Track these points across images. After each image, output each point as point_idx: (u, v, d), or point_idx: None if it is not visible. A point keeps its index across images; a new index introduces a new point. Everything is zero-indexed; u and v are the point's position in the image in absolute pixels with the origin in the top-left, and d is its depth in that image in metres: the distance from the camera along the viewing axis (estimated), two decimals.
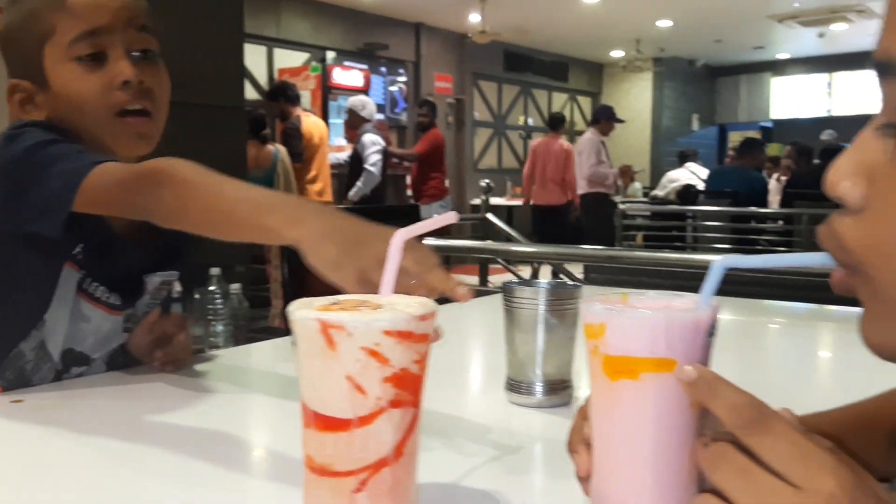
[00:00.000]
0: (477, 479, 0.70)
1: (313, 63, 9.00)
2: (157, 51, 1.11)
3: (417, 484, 0.56)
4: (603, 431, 0.54)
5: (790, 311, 1.72)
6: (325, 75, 8.75)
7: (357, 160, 5.83)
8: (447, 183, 7.06)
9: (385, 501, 0.53)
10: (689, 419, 0.51)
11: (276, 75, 8.67)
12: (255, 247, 3.56)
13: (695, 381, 0.48)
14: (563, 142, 7.62)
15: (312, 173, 5.62)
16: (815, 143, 8.29)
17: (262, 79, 8.59)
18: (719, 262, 0.51)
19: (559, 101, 13.32)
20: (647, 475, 0.52)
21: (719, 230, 6.42)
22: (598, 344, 0.52)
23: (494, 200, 7.46)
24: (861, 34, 10.37)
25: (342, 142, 7.96)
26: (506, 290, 0.93)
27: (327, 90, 8.75)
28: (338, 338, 0.50)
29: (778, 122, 14.23)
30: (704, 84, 14.78)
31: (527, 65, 12.26)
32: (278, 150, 5.31)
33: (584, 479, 0.57)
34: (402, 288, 0.59)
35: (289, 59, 8.96)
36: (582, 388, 0.93)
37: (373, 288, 0.60)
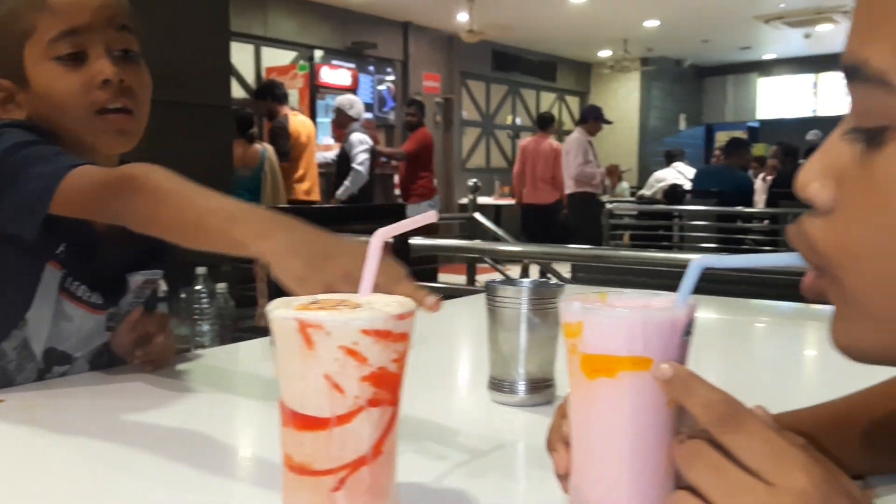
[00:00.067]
0: (458, 478, 0.71)
1: (301, 62, 8.98)
2: (138, 50, 1.11)
3: (396, 482, 0.57)
4: (581, 429, 0.54)
5: (776, 310, 1.74)
6: (313, 74, 8.73)
7: (345, 159, 5.82)
8: (435, 182, 7.06)
9: (364, 500, 0.53)
10: (666, 417, 0.51)
11: (263, 74, 8.64)
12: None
13: (671, 379, 0.49)
14: (553, 140, 7.65)
15: (300, 172, 5.61)
16: (801, 143, 8.35)
17: (250, 77, 8.56)
18: (696, 262, 0.52)
19: (547, 100, 13.35)
20: (624, 472, 0.52)
21: (706, 229, 6.46)
22: (576, 343, 0.53)
23: (482, 200, 7.49)
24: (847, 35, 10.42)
25: (330, 141, 7.95)
26: (489, 289, 0.93)
27: (315, 89, 8.73)
28: (316, 337, 0.50)
29: (764, 122, 14.32)
30: (691, 84, 14.85)
31: (515, 64, 12.27)
32: (266, 148, 5.29)
33: (563, 477, 0.58)
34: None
35: (276, 57, 8.94)
36: (564, 387, 0.93)
37: None
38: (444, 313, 1.80)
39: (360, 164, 5.73)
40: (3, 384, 1.03)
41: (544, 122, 7.95)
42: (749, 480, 0.43)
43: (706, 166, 9.08)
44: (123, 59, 1.08)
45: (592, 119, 7.31)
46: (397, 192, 7.45)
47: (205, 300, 2.62)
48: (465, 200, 6.15)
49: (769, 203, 6.80)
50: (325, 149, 7.51)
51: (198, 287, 2.61)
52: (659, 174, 8.61)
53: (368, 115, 8.41)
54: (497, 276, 1.12)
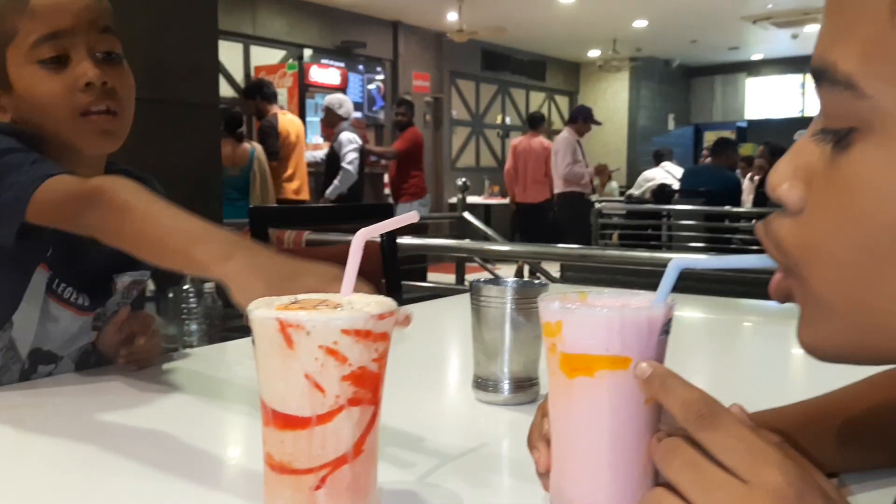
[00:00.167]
0: (441, 477, 0.71)
1: (290, 61, 8.95)
2: (120, 52, 1.10)
3: (377, 481, 0.57)
4: (561, 428, 0.55)
5: (762, 309, 1.75)
6: (302, 73, 8.70)
7: (334, 158, 5.82)
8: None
9: (345, 498, 0.53)
10: (644, 415, 0.52)
11: (252, 73, 8.61)
12: None
13: (649, 377, 0.49)
14: (544, 139, 7.69)
15: (289, 171, 5.60)
16: (789, 143, 8.33)
17: (239, 76, 8.53)
18: (674, 263, 0.52)
19: (536, 100, 13.37)
20: (603, 470, 0.53)
21: (694, 229, 6.49)
22: (555, 342, 0.53)
23: (472, 199, 7.49)
24: None
25: (319, 140, 7.93)
26: (473, 288, 0.94)
27: (304, 88, 8.70)
28: (296, 337, 0.50)
29: (752, 123, 14.38)
30: (680, 84, 14.90)
31: (504, 64, 12.28)
32: (254, 147, 5.28)
33: (544, 475, 0.58)
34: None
35: (265, 56, 8.91)
36: (548, 386, 0.94)
37: None
38: (431, 312, 1.81)
39: (350, 163, 5.73)
40: None
41: (534, 122, 7.98)
42: (724, 477, 0.44)
43: (694, 166, 9.12)
44: (106, 61, 1.08)
45: (582, 119, 7.33)
46: (387, 191, 7.45)
47: (192, 300, 2.61)
48: (454, 200, 6.15)
49: (757, 203, 6.84)
50: (314, 148, 7.50)
51: (185, 286, 2.61)
52: (647, 174, 8.64)
53: (358, 115, 8.40)
54: (487, 276, 1.12)
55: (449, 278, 5.50)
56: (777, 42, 12.23)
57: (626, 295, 0.57)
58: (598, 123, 7.66)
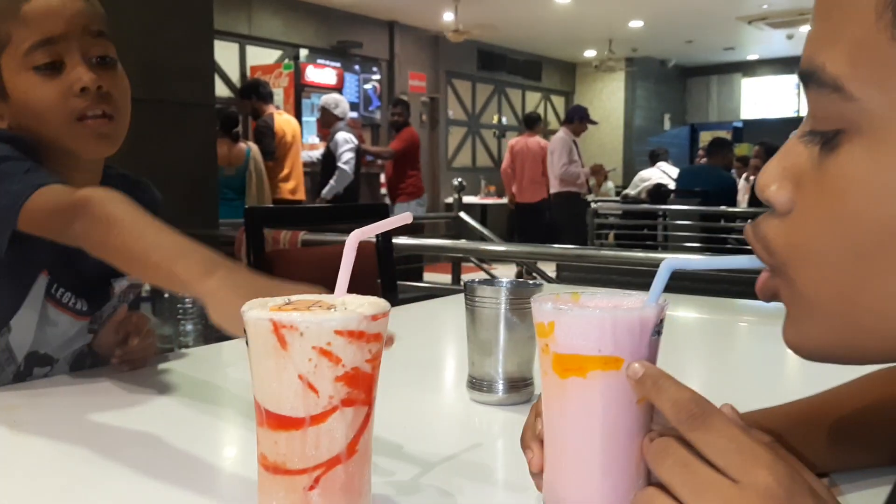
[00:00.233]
0: (435, 477, 0.71)
1: (286, 60, 8.94)
2: (115, 56, 1.10)
3: (371, 481, 0.57)
4: (554, 428, 0.55)
5: (757, 309, 1.75)
6: (298, 73, 8.69)
7: (330, 158, 5.81)
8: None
9: (338, 498, 0.53)
10: (637, 415, 0.52)
11: (248, 73, 8.60)
12: (225, 245, 3.54)
13: (641, 378, 0.49)
14: (540, 139, 7.72)
15: (285, 171, 5.60)
16: (784, 143, 8.39)
17: (235, 76, 8.52)
18: (666, 263, 0.52)
19: (532, 100, 13.38)
20: (596, 469, 0.53)
21: (689, 229, 6.50)
22: (548, 342, 0.53)
23: (468, 199, 7.50)
24: None
25: (315, 140, 7.93)
26: (467, 289, 0.94)
27: (300, 88, 8.70)
28: (290, 337, 0.51)
29: (748, 123, 14.40)
30: (676, 84, 14.92)
31: (500, 64, 12.29)
32: (251, 147, 5.27)
33: (537, 475, 0.59)
34: None
35: (261, 56, 8.90)
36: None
37: None
38: (426, 312, 1.81)
39: (346, 163, 5.73)
40: None
41: (530, 122, 8.01)
42: (715, 477, 0.44)
43: (690, 166, 9.13)
44: (101, 65, 1.08)
45: (578, 119, 7.34)
46: (383, 191, 7.44)
47: (188, 300, 2.61)
48: (450, 200, 6.15)
49: (752, 203, 6.85)
50: (310, 148, 7.50)
51: None
52: (643, 174, 8.65)
53: (354, 115, 8.39)
54: (483, 276, 1.12)
55: (445, 278, 5.50)
56: (772, 42, 12.26)
57: (618, 295, 0.57)
58: (594, 123, 7.67)
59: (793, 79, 14.04)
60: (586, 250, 4.33)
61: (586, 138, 8.35)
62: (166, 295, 2.55)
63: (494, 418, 0.91)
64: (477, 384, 0.94)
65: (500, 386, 0.93)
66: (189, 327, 2.63)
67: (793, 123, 12.05)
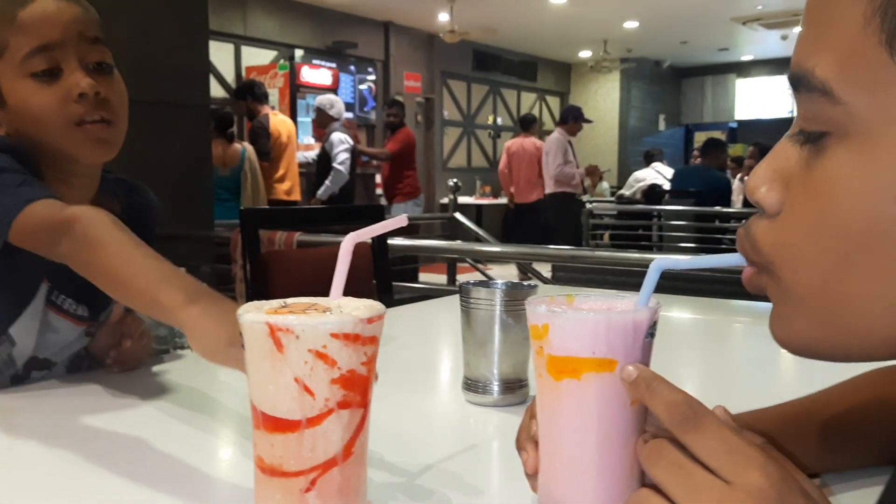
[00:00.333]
0: (430, 478, 0.71)
1: (281, 61, 8.93)
2: (111, 62, 1.10)
3: (367, 483, 0.57)
4: (548, 429, 0.55)
5: (751, 309, 1.76)
6: (294, 73, 8.68)
7: (325, 159, 5.81)
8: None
9: (335, 500, 0.54)
10: (631, 417, 0.53)
11: (243, 73, 8.59)
12: (220, 246, 3.54)
13: (635, 380, 0.50)
14: (536, 140, 7.74)
15: (280, 172, 5.60)
16: (777, 144, 8.42)
17: (230, 77, 8.50)
18: (655, 264, 0.53)
19: (528, 100, 13.39)
20: (590, 471, 0.53)
21: (684, 229, 6.51)
22: (542, 344, 0.54)
23: (463, 199, 7.52)
24: None
25: (310, 140, 7.92)
26: (462, 290, 0.94)
27: (296, 88, 8.68)
28: (285, 340, 0.51)
29: (742, 123, 14.45)
30: (671, 85, 14.95)
31: (496, 64, 12.29)
32: (246, 148, 5.27)
33: (532, 476, 0.59)
34: None
35: (256, 56, 8.88)
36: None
37: None
38: (421, 313, 1.81)
39: (341, 163, 5.73)
40: None
41: (526, 124, 8.03)
42: (708, 478, 0.45)
43: (684, 166, 9.15)
44: (98, 71, 1.08)
45: (573, 119, 7.35)
46: (379, 191, 7.44)
47: None
48: (445, 200, 6.15)
49: (746, 203, 6.86)
50: (305, 148, 7.49)
51: None
52: (638, 174, 8.67)
53: (349, 115, 8.40)
54: (479, 277, 1.12)
55: (440, 279, 5.50)
56: (766, 43, 12.29)
57: (612, 297, 0.57)
58: (588, 122, 7.69)
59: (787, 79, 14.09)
60: (581, 251, 4.34)
61: (581, 139, 8.37)
62: None
63: (489, 419, 0.91)
64: (472, 385, 0.95)
65: (495, 387, 0.93)
66: None
67: (787, 124, 11.92)
